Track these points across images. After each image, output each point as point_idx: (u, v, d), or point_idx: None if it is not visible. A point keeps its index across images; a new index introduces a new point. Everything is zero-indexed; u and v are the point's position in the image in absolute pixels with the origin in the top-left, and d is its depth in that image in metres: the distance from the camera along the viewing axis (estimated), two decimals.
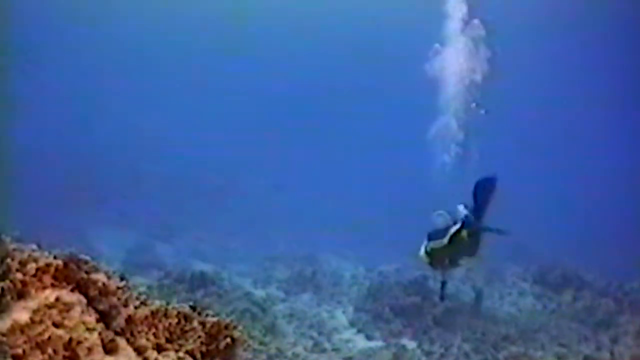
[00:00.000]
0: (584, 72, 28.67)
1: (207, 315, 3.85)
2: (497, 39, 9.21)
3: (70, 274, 3.07)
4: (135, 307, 3.46)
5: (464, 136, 8.85)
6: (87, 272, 3.23)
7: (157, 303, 3.67)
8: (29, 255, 3.68)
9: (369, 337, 10.50)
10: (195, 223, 23.21)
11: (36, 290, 2.90)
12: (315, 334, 10.08)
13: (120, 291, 3.41)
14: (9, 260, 2.89)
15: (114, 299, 3.26)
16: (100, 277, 3.26)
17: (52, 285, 3.00)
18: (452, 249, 6.98)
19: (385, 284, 12.18)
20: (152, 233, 20.48)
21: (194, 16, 34.42)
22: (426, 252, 6.99)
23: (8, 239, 4.30)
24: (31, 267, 3.14)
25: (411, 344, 10.11)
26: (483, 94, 8.77)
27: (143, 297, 3.75)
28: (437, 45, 9.04)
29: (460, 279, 14.24)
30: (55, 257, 4.07)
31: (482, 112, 8.97)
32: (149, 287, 10.50)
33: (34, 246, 4.76)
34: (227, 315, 8.25)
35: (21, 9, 24.72)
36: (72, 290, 3.00)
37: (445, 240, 6.87)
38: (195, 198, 26.33)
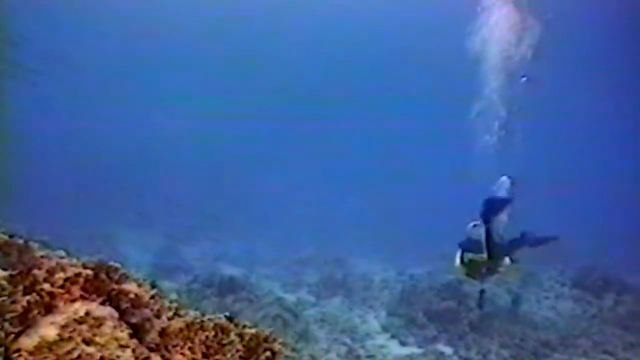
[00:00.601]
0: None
1: (244, 326, 3.60)
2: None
3: (100, 285, 2.86)
4: (169, 319, 3.24)
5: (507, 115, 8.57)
6: (117, 282, 3.01)
7: (191, 314, 3.45)
8: (57, 264, 3.49)
9: (402, 343, 10.19)
10: (219, 224, 23.18)
11: (65, 303, 2.69)
12: (348, 340, 9.81)
13: (152, 302, 3.20)
14: (36, 270, 2.67)
15: (147, 311, 3.04)
16: (132, 288, 3.04)
17: (82, 298, 2.79)
18: (491, 261, 6.88)
19: (418, 287, 11.83)
20: (177, 235, 20.47)
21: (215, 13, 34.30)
22: (463, 262, 6.87)
23: (36, 245, 4.12)
24: (59, 277, 2.94)
25: (447, 350, 9.79)
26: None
27: (175, 306, 3.53)
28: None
29: (495, 281, 13.87)
30: (84, 265, 3.87)
31: (523, 79, 8.67)
32: (178, 292, 10.38)
33: (62, 252, 4.57)
34: (260, 322, 8.04)
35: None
36: (102, 303, 2.78)
37: (485, 255, 6.76)
38: (217, 199, 26.37)
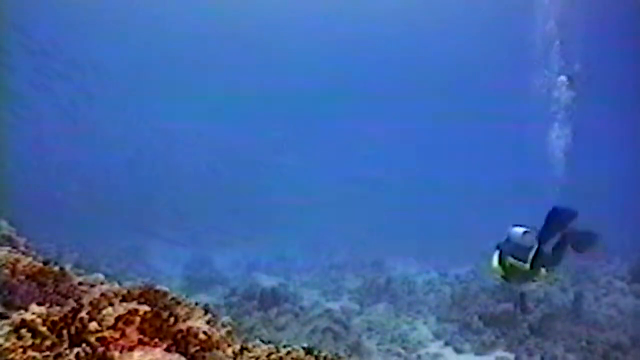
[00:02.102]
0: None
1: (325, 358, 2.98)
2: None
3: (161, 324, 2.26)
4: (236, 354, 2.66)
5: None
6: (183, 319, 2.43)
7: (263, 346, 2.87)
8: (102, 295, 2.92)
9: (458, 350, 9.52)
10: (246, 232, 22.72)
11: (121, 352, 2.11)
12: (400, 350, 9.18)
13: (222, 339, 2.62)
14: (83, 313, 2.09)
15: (220, 354, 2.45)
16: (200, 326, 2.45)
17: (141, 343, 2.20)
18: (532, 271, 6.61)
19: (470, 290, 11.14)
20: (206, 245, 20.01)
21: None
22: (501, 264, 6.68)
23: (72, 272, 3.56)
24: (108, 315, 2.34)
25: (508, 356, 9.11)
26: None
27: (237, 338, 2.98)
28: None
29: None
30: (129, 292, 3.34)
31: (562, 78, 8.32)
32: (217, 306, 9.85)
33: (101, 276, 4.01)
34: (308, 336, 7.44)
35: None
36: (168, 349, 2.19)
37: (527, 266, 6.49)
38: (241, 205, 25.91)
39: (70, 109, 20.39)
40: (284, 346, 2.90)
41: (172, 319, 2.24)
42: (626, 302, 11.26)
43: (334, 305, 11.59)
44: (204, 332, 2.38)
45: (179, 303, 3.83)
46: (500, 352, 9.35)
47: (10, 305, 3.11)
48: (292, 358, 2.80)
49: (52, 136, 22.99)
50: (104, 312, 2.53)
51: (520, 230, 6.68)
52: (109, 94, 23.69)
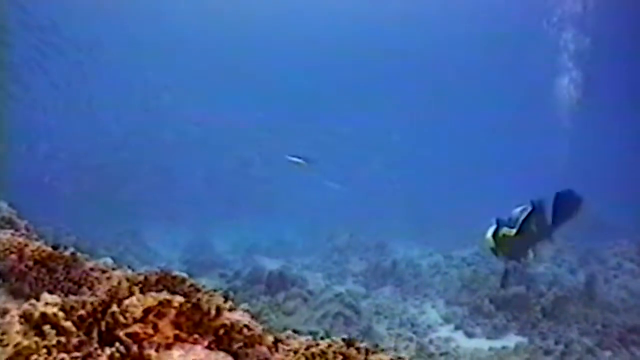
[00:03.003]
0: None
1: (367, 351, 2.68)
2: None
3: (202, 318, 1.95)
4: (270, 348, 2.36)
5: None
6: (224, 311, 2.12)
7: (301, 338, 2.59)
8: (119, 282, 2.62)
9: (469, 335, 9.30)
10: (242, 214, 22.44)
11: (157, 351, 1.80)
12: (411, 334, 8.94)
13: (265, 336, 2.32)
14: (115, 308, 1.78)
15: (264, 350, 2.15)
16: (240, 318, 2.14)
17: (178, 339, 1.88)
18: (522, 240, 6.75)
19: (480, 273, 10.90)
20: (203, 228, 19.70)
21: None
22: (494, 236, 6.74)
23: (83, 256, 3.25)
24: (133, 305, 2.02)
25: (521, 340, 8.88)
26: None
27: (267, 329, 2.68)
28: None
29: (553, 260, 12.94)
30: (146, 278, 3.03)
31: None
32: (220, 290, 9.56)
33: (109, 260, 3.73)
34: (319, 321, 7.17)
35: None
36: (210, 346, 1.89)
37: (514, 230, 6.64)
38: (238, 188, 25.61)
39: (64, 88, 19.81)
40: (322, 338, 2.60)
41: (213, 312, 1.93)
42: (637, 284, 11.07)
43: (339, 289, 11.34)
44: (247, 326, 2.07)
45: (198, 290, 3.53)
46: (512, 336, 9.14)
47: (18, 293, 2.80)
48: (334, 351, 2.50)
49: (46, 117, 22.54)
50: (126, 302, 2.22)
51: (518, 208, 6.83)
52: (105, 73, 23.04)
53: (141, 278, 3.28)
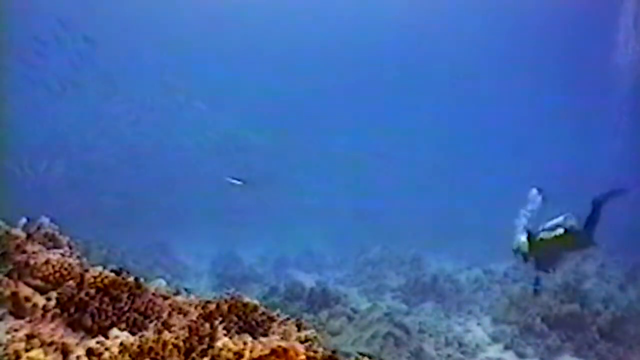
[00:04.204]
0: None
1: None
2: None
3: None
4: None
5: None
6: None
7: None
8: (198, 319, 2.28)
9: (520, 355, 8.80)
10: (265, 225, 22.06)
11: None
12: (460, 355, 8.46)
13: None
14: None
15: None
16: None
17: None
18: (557, 247, 6.55)
19: (529, 290, 10.33)
20: (230, 240, 19.32)
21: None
22: (529, 241, 6.54)
23: (147, 283, 2.88)
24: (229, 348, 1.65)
25: None
26: None
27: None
28: None
29: (599, 276, 12.36)
30: (218, 307, 2.71)
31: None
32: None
33: (162, 282, 3.41)
34: (368, 342, 6.72)
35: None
36: None
37: (553, 233, 6.40)
38: (260, 200, 25.26)
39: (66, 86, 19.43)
40: None
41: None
42: None
43: (382, 305, 10.86)
44: None
45: (271, 319, 3.22)
46: (567, 358, 8.62)
47: (78, 326, 2.42)
48: None
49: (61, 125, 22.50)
50: (219, 344, 1.86)
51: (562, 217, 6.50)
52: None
53: (212, 307, 2.93)
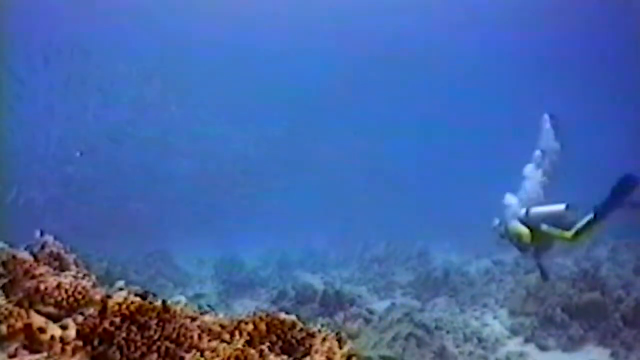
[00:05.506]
0: None
1: None
2: None
3: None
4: None
5: None
6: None
7: None
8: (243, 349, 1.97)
9: (542, 348, 8.52)
10: (264, 224, 21.75)
11: None
12: (481, 351, 8.19)
13: None
14: None
15: None
16: None
17: None
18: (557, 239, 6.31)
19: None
20: (229, 242, 18.98)
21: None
22: (530, 230, 6.30)
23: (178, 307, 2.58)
24: None
25: (602, 352, 8.10)
26: None
27: None
28: None
29: (612, 260, 12.14)
30: (255, 327, 2.43)
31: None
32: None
33: (182, 299, 3.09)
34: (390, 344, 6.41)
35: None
36: None
37: (568, 234, 6.01)
38: (257, 199, 24.96)
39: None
40: None
41: None
42: None
43: (386, 303, 10.50)
44: None
45: (311, 335, 2.92)
46: (592, 347, 8.36)
47: (103, 359, 2.10)
48: None
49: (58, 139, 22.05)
50: None
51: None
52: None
53: (249, 328, 2.66)
